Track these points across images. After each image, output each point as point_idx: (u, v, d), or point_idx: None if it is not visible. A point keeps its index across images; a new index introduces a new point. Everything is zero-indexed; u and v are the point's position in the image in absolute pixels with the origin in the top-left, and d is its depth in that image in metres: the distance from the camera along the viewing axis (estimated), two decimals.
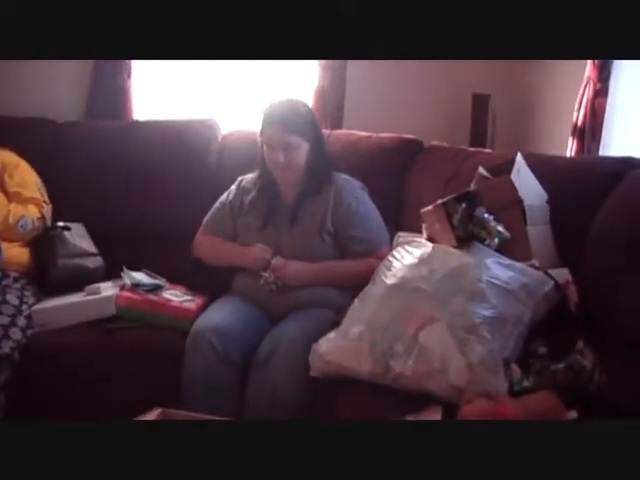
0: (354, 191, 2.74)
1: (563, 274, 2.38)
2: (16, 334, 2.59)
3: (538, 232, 2.48)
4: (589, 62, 3.12)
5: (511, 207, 2.45)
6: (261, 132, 2.67)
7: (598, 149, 3.15)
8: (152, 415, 1.75)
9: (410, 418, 1.95)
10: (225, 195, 2.89)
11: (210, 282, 2.83)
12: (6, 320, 2.59)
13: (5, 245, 2.81)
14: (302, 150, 2.65)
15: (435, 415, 1.97)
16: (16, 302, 2.68)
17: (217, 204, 2.89)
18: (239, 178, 2.90)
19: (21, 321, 2.64)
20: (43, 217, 2.98)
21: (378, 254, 2.60)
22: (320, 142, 2.74)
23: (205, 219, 2.90)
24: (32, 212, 2.93)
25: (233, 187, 2.89)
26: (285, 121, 2.61)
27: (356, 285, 2.48)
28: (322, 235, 2.67)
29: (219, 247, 2.82)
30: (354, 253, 2.67)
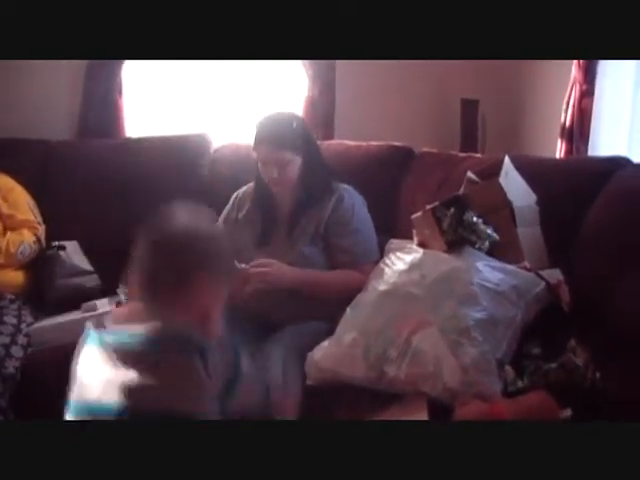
0: (353, 203, 2.75)
1: (554, 274, 2.38)
2: (18, 352, 2.61)
3: (528, 233, 2.49)
4: (574, 63, 3.14)
5: (500, 210, 2.46)
6: (254, 147, 2.69)
7: (587, 149, 3.17)
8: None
9: (393, 408, 1.98)
10: (223, 212, 2.91)
11: None
12: (6, 340, 2.61)
13: None
14: (294, 164, 2.66)
15: (419, 406, 2.00)
16: (14, 321, 2.71)
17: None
18: (234, 194, 2.92)
19: (21, 339, 2.67)
20: (39, 240, 3.01)
21: (362, 268, 2.60)
22: (314, 154, 2.75)
23: None
24: (28, 237, 2.96)
25: (230, 203, 2.90)
26: (276, 137, 2.63)
27: (338, 299, 2.48)
28: (315, 241, 2.68)
29: None
30: (338, 263, 2.66)
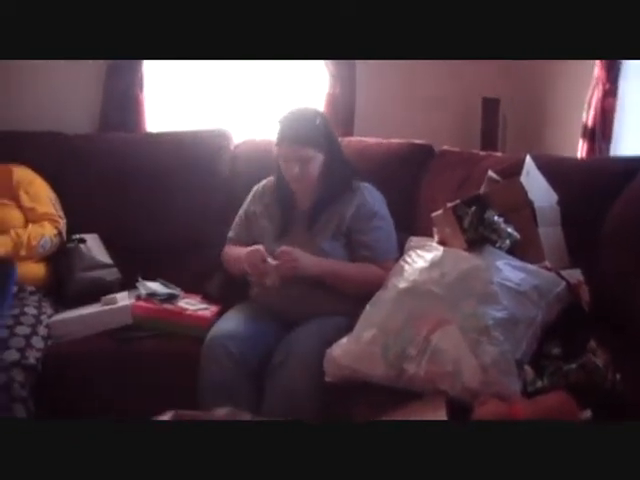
0: (376, 201, 2.77)
1: (575, 274, 2.37)
2: (38, 342, 2.62)
3: (549, 233, 2.48)
4: (597, 63, 3.12)
5: (521, 209, 2.46)
6: (277, 143, 2.69)
7: (609, 149, 3.15)
8: (166, 416, 1.78)
9: (411, 406, 1.98)
10: (244, 205, 2.92)
11: (224, 291, 2.85)
12: (27, 330, 2.63)
13: (20, 261, 2.84)
14: (316, 162, 2.67)
15: (438, 404, 1.99)
16: (35, 312, 2.72)
17: (237, 216, 2.93)
18: (254, 187, 2.93)
19: (42, 330, 2.68)
20: (60, 233, 3.02)
21: (383, 264, 2.62)
22: (336, 151, 2.75)
23: (229, 234, 2.94)
24: (49, 230, 2.97)
25: (249, 197, 2.92)
26: (299, 135, 2.63)
27: (357, 292, 2.50)
28: (336, 237, 2.69)
29: (230, 255, 2.86)
30: (359, 258, 2.67)
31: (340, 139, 3.18)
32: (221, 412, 1.68)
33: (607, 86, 3.10)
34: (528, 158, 2.58)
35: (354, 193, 2.73)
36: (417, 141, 3.24)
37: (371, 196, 2.76)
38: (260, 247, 2.59)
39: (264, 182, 2.90)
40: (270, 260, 2.54)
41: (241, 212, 2.90)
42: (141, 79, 3.71)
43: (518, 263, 2.31)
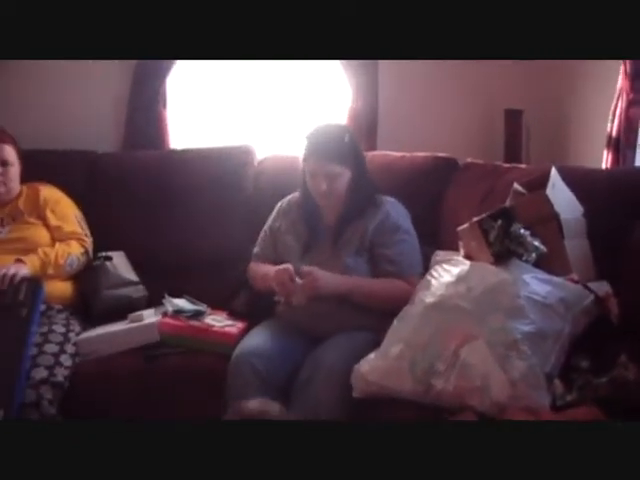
0: (400, 215, 2.75)
1: (603, 287, 2.36)
2: (67, 360, 2.65)
3: (576, 245, 2.47)
4: (621, 72, 3.10)
5: (547, 222, 2.45)
6: (304, 159, 2.69)
7: (634, 159, 3.13)
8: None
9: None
10: (268, 221, 2.92)
11: (249, 308, 2.85)
12: (55, 348, 2.66)
13: (47, 279, 2.86)
14: (344, 178, 2.67)
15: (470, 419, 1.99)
16: (63, 330, 2.76)
17: (262, 231, 2.93)
18: (279, 203, 2.93)
19: (69, 348, 2.71)
20: (87, 251, 3.04)
21: (408, 279, 2.61)
22: (362, 167, 2.75)
23: (254, 249, 2.94)
24: (76, 249, 2.99)
25: (274, 213, 2.92)
26: (329, 150, 2.63)
27: (382, 308, 2.50)
28: (360, 252, 2.68)
29: (256, 272, 2.85)
30: (384, 272, 2.66)
31: (364, 153, 3.19)
32: (253, 404, 1.69)
33: (631, 96, 3.08)
34: (553, 170, 2.57)
35: (377, 208, 2.73)
36: (441, 154, 3.23)
37: (394, 210, 2.75)
38: (289, 266, 2.58)
39: (289, 197, 2.91)
40: (297, 279, 2.54)
41: (266, 228, 2.90)
42: (164, 95, 3.73)
43: (545, 276, 2.30)
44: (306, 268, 2.55)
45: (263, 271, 2.77)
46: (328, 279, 2.56)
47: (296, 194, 2.88)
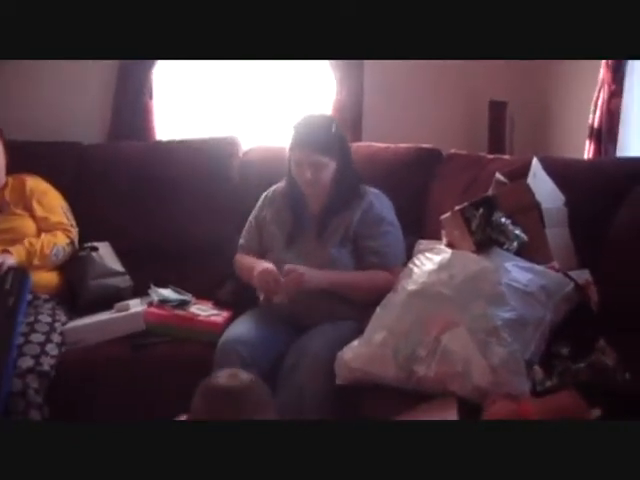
0: (383, 207, 2.77)
1: (583, 275, 2.39)
2: (53, 350, 2.67)
3: (557, 234, 2.50)
4: (602, 64, 3.13)
5: (528, 211, 2.48)
6: (290, 148, 2.71)
7: (615, 150, 3.16)
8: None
9: (423, 407, 2.00)
10: (254, 211, 2.94)
11: (235, 297, 2.87)
12: (41, 338, 2.67)
13: (33, 269, 2.87)
14: (329, 168, 2.69)
15: (449, 405, 2.01)
16: (49, 320, 2.77)
17: (247, 222, 2.95)
18: (264, 193, 2.94)
19: (56, 337, 2.73)
20: (72, 242, 3.05)
21: (392, 270, 2.62)
22: (347, 158, 2.77)
23: (240, 241, 2.96)
24: (62, 239, 3.00)
25: (259, 202, 2.93)
26: (315, 141, 2.65)
27: (367, 299, 2.52)
28: (344, 243, 2.70)
29: (241, 265, 2.87)
30: (368, 264, 2.68)
31: (349, 144, 3.21)
32: (220, 377, 1.71)
33: (613, 87, 3.10)
34: (535, 160, 2.60)
35: (361, 199, 2.75)
36: (425, 145, 3.26)
37: (378, 201, 2.77)
38: (271, 267, 2.60)
39: (274, 187, 2.92)
40: (281, 278, 2.56)
41: (251, 218, 2.92)
42: (150, 87, 3.74)
43: (526, 264, 2.33)
44: (289, 266, 2.57)
45: (248, 265, 2.78)
46: (312, 274, 2.57)
47: (281, 184, 2.89)
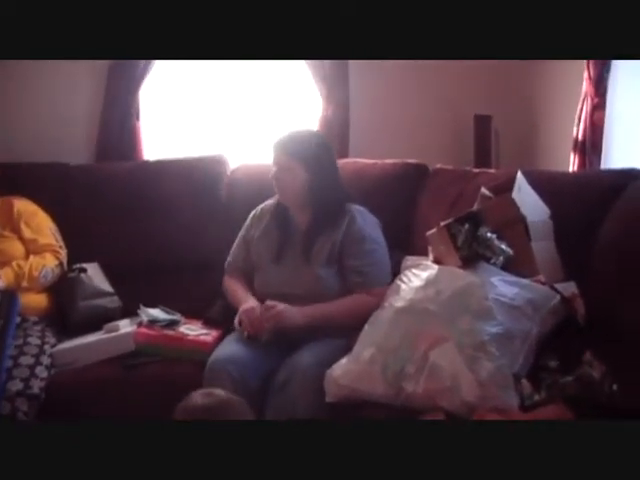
0: (367, 224, 2.76)
1: (569, 287, 2.40)
2: (42, 372, 2.66)
3: (542, 247, 2.51)
4: (585, 78, 3.16)
5: (514, 225, 2.49)
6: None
7: (599, 163, 3.18)
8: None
9: None
10: (242, 230, 2.94)
11: (225, 316, 2.87)
12: (31, 360, 2.66)
13: (22, 291, 2.87)
14: (297, 175, 2.70)
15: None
16: (38, 342, 2.76)
17: (236, 240, 2.95)
18: (252, 212, 2.95)
19: (45, 360, 2.71)
20: (61, 263, 3.05)
21: (373, 291, 2.62)
22: (328, 176, 2.76)
23: (227, 259, 2.96)
24: (50, 261, 3.00)
25: (247, 221, 2.94)
26: (287, 144, 2.71)
27: (351, 327, 2.49)
28: (330, 263, 2.70)
29: (228, 292, 2.89)
30: (352, 284, 2.68)
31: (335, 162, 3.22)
32: (195, 397, 1.73)
33: (595, 100, 3.14)
34: (519, 174, 2.61)
35: (345, 217, 2.74)
36: (411, 160, 3.27)
37: (362, 218, 2.75)
38: (255, 306, 2.62)
39: (262, 205, 2.93)
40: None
41: (239, 237, 2.93)
42: (137, 107, 3.75)
43: (512, 278, 2.34)
44: (269, 302, 2.58)
45: (234, 295, 2.82)
46: (291, 312, 2.58)
47: (269, 202, 2.90)
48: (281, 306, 2.57)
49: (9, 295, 2.74)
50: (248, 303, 2.67)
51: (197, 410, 1.69)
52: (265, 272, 2.72)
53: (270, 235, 2.82)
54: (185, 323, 2.88)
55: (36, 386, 2.59)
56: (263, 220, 2.88)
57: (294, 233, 2.80)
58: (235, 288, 2.83)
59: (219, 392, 1.75)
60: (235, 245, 2.94)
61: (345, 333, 2.53)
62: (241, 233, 2.93)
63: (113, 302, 3.07)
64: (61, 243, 3.11)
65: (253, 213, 2.94)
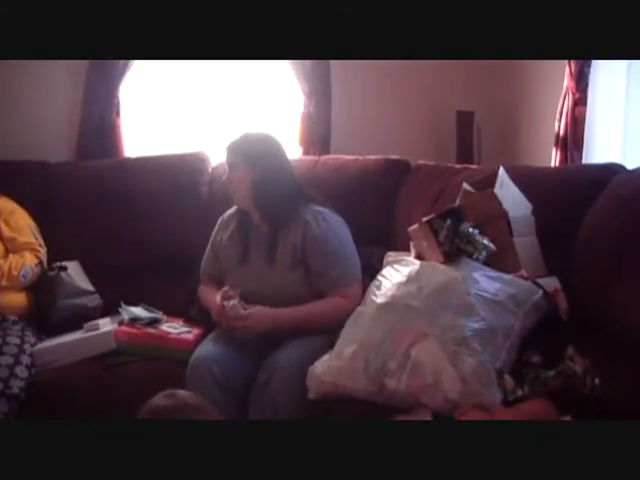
0: (325, 224, 2.70)
1: (552, 282, 2.40)
2: (22, 372, 2.64)
3: (525, 243, 2.51)
4: (566, 73, 3.16)
5: (496, 220, 2.48)
6: None
7: (581, 157, 3.19)
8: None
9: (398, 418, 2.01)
10: (212, 236, 2.93)
11: (206, 314, 2.85)
12: (10, 360, 2.64)
13: (2, 291, 2.85)
14: (240, 174, 2.70)
15: (424, 416, 2.02)
16: (17, 342, 2.73)
17: (206, 249, 2.94)
18: (220, 218, 2.93)
19: (25, 359, 2.69)
20: (41, 262, 3.03)
21: (343, 292, 2.62)
22: (275, 173, 2.72)
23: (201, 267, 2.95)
24: (30, 260, 2.98)
25: (216, 226, 2.93)
26: (235, 144, 2.74)
27: (325, 328, 2.51)
28: (295, 265, 2.68)
29: (203, 298, 2.89)
30: (318, 287, 2.67)
31: (317, 157, 3.21)
32: (159, 395, 1.72)
33: (577, 95, 3.15)
34: (501, 169, 2.61)
35: (300, 219, 2.69)
36: (393, 157, 3.27)
37: (323, 220, 2.70)
38: (226, 306, 2.59)
39: (229, 211, 2.91)
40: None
41: (209, 243, 2.91)
42: (117, 104, 3.73)
43: (494, 273, 2.34)
44: (242, 312, 2.56)
45: (207, 303, 2.82)
46: (258, 317, 2.57)
47: (236, 207, 2.88)
48: (246, 312, 2.56)
49: None
50: (216, 309, 2.65)
51: (159, 412, 1.67)
52: (233, 275, 2.73)
53: (235, 238, 2.81)
54: (167, 321, 2.86)
55: (16, 386, 2.57)
56: (230, 225, 2.86)
57: (257, 235, 2.78)
58: (209, 297, 2.80)
59: (182, 393, 1.73)
60: (206, 252, 2.92)
61: (327, 330, 2.52)
62: (210, 240, 2.92)
63: (94, 300, 3.05)
64: (41, 241, 3.08)
65: (221, 219, 2.93)
